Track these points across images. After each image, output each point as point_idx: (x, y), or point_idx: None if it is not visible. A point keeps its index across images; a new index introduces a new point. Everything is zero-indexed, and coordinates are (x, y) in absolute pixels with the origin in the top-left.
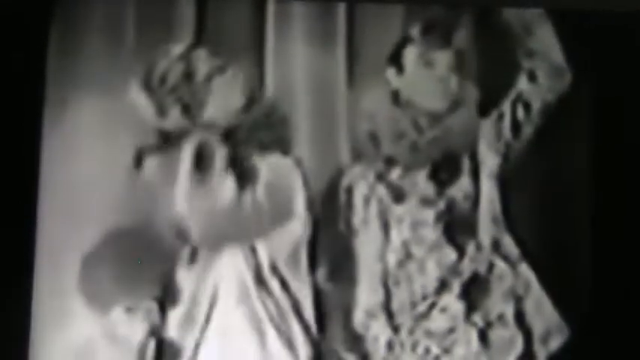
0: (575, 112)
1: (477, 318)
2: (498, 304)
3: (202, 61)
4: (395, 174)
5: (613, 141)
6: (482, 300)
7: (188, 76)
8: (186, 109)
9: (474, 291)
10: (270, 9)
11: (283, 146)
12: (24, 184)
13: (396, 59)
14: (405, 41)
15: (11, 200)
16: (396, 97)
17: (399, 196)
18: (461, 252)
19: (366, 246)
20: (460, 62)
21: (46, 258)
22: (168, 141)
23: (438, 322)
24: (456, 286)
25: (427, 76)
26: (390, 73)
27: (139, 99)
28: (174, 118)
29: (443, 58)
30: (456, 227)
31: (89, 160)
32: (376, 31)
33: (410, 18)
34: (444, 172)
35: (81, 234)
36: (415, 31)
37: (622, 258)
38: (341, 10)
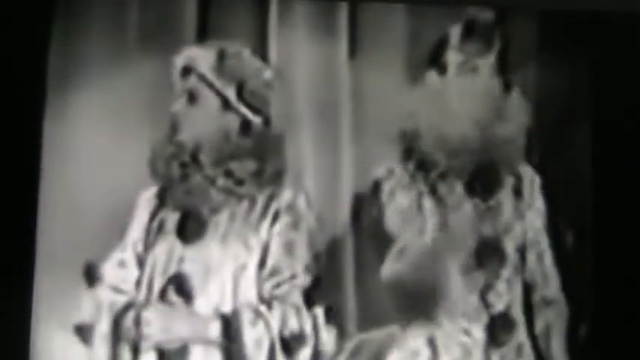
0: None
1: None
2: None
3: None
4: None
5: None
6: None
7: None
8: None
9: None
10: (273, 8)
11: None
12: (25, 183)
13: (436, 60)
14: (444, 43)
15: (12, 200)
16: (440, 98)
17: (436, 197)
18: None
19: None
20: (503, 66)
21: (47, 257)
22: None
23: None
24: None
25: (471, 83)
26: (431, 74)
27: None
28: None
29: (486, 64)
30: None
31: (90, 159)
32: (380, 35)
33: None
34: (481, 183)
35: (82, 231)
36: (455, 36)
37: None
38: (343, 7)
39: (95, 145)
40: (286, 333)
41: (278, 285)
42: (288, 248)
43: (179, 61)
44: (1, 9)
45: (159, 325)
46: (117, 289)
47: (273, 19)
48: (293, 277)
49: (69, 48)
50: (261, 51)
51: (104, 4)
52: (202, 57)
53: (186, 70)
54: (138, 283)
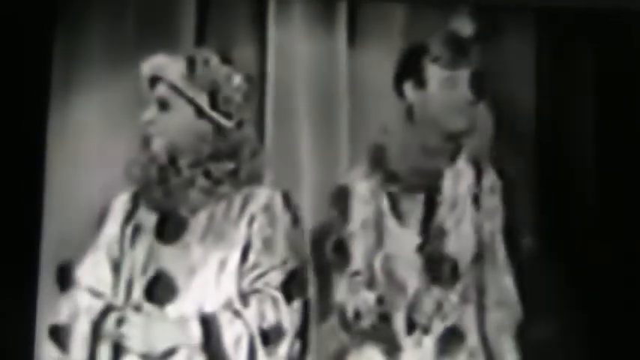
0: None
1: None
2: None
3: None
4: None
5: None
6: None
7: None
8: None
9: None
10: (271, 8)
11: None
12: (30, 183)
13: (412, 72)
14: (420, 55)
15: (17, 199)
16: (410, 112)
17: (398, 213)
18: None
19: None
20: (477, 80)
21: (50, 254)
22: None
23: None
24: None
25: (451, 96)
26: (408, 86)
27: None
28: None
29: (465, 76)
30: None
31: (91, 159)
32: (378, 30)
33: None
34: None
35: (84, 227)
36: (435, 49)
37: None
38: (342, 8)
39: (97, 145)
40: (265, 326)
41: (257, 278)
42: (267, 244)
43: (145, 70)
44: (8, 17)
45: (140, 337)
46: (93, 292)
47: (271, 19)
48: (271, 269)
49: (71, 52)
50: (260, 51)
51: (105, 10)
52: (171, 65)
53: (155, 79)
54: (115, 286)
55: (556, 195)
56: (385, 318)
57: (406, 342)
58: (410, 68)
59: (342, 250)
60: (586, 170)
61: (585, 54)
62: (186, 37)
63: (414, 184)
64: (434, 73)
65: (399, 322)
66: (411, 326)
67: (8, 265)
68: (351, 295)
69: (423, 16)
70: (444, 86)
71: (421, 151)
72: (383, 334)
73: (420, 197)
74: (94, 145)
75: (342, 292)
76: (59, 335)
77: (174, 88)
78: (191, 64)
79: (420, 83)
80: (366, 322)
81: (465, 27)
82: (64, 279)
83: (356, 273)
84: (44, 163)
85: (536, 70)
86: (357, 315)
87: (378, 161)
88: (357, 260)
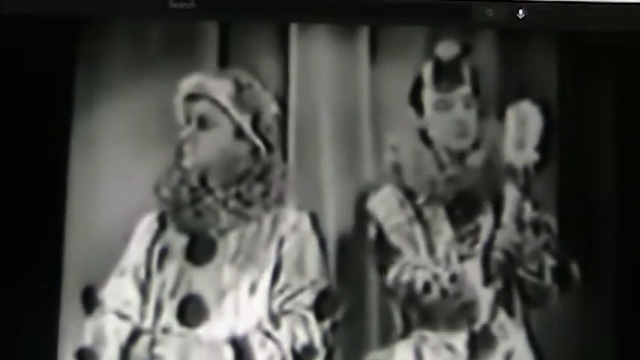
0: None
1: None
2: None
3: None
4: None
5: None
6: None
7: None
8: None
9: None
10: (294, 33)
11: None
12: (51, 201)
13: (415, 100)
14: (419, 82)
15: (39, 218)
16: (423, 134)
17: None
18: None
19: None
20: (474, 98)
21: (73, 275)
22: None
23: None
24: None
25: (446, 119)
26: (411, 114)
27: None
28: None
29: (459, 98)
30: None
31: (114, 179)
32: (399, 55)
33: (433, 40)
34: (460, 211)
35: (108, 249)
36: (427, 74)
37: None
38: (364, 29)
39: (120, 166)
40: (297, 347)
41: (287, 299)
42: (297, 265)
43: (185, 86)
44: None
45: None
46: (120, 314)
47: (293, 44)
48: (301, 290)
49: (93, 72)
50: (283, 76)
51: (126, 36)
52: (215, 84)
53: (194, 96)
54: (142, 309)
55: (578, 214)
56: (455, 278)
57: (484, 294)
58: (412, 99)
59: (383, 248)
60: (607, 189)
61: (606, 75)
62: (209, 61)
63: (431, 197)
64: (427, 97)
65: (474, 274)
66: (488, 276)
67: (30, 285)
68: (415, 273)
69: (446, 37)
70: (438, 109)
71: (435, 166)
72: (454, 299)
73: (440, 209)
74: (117, 165)
75: (399, 275)
76: (85, 358)
77: (219, 106)
78: (238, 85)
79: (419, 108)
80: (435, 293)
81: (446, 50)
82: (89, 301)
83: (404, 265)
84: (66, 183)
85: (558, 91)
86: (427, 287)
87: (396, 179)
88: (404, 253)
